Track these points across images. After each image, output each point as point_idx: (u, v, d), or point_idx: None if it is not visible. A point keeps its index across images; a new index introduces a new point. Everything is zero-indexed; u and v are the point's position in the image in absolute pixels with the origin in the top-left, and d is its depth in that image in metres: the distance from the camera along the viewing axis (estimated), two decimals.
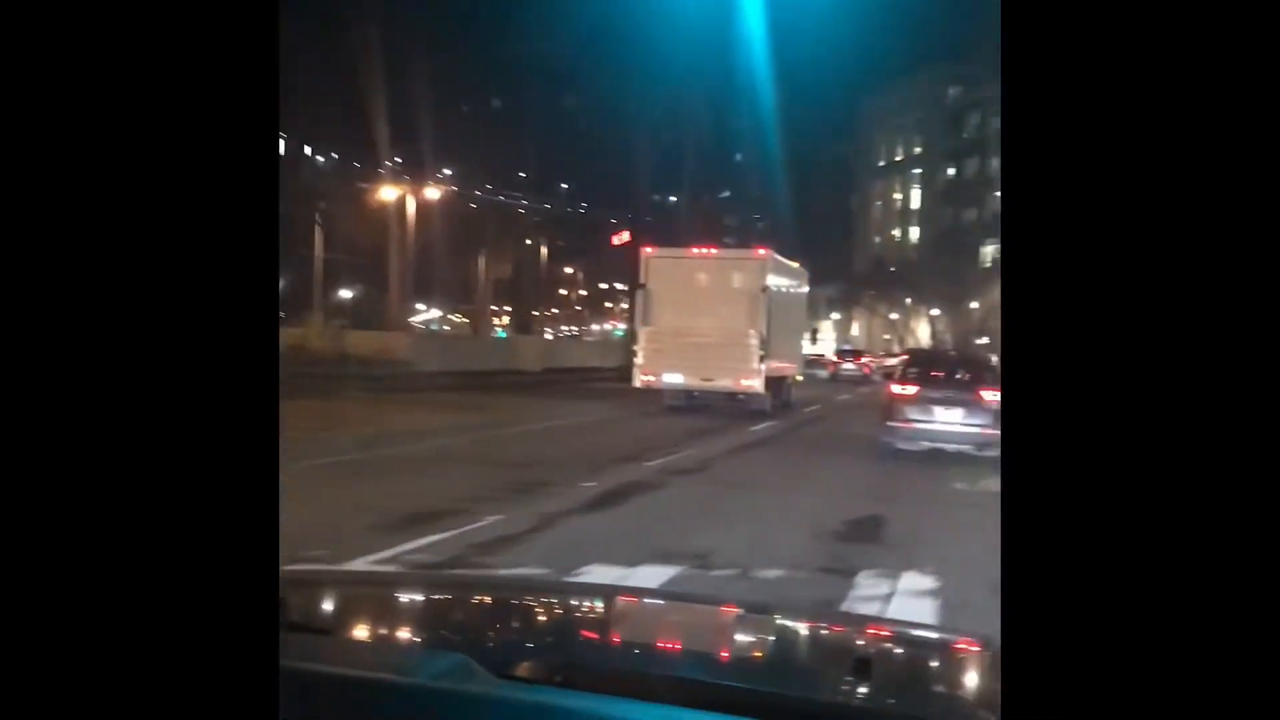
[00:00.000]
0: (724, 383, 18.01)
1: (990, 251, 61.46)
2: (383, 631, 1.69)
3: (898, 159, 76.19)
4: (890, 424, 12.54)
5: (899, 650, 1.85)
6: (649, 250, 19.26)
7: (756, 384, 17.88)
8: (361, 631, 1.65)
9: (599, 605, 2.10)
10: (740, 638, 1.86)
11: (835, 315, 78.99)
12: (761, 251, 19.53)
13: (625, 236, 46.88)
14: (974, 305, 56.64)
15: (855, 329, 78.64)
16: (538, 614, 1.91)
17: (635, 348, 18.74)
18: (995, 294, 56.60)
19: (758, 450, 13.64)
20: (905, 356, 16.42)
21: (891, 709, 1.37)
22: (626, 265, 29.37)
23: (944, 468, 11.46)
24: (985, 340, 52.07)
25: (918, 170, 73.50)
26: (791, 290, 21.19)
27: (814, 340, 28.18)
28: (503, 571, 5.58)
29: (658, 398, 18.83)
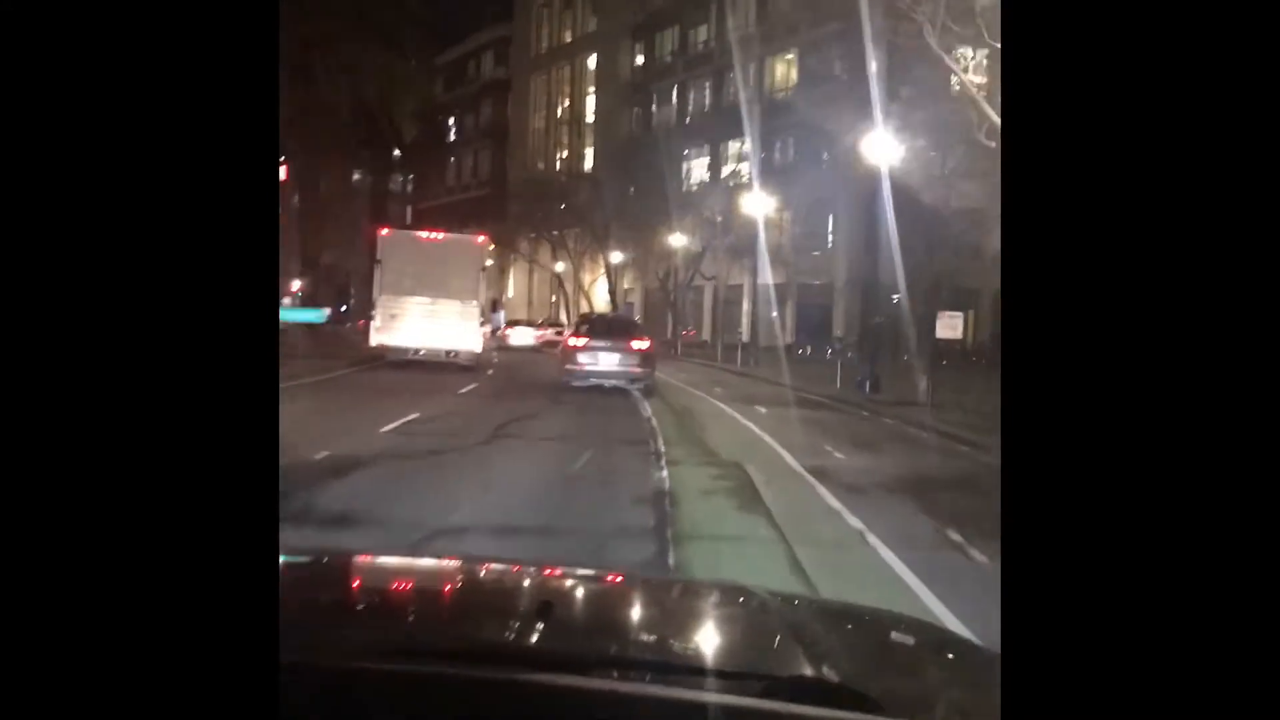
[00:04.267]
0: (448, 346, 20.74)
1: (698, 169, 40.22)
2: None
3: (565, 41, 53.64)
4: (567, 367, 16.76)
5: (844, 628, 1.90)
6: (385, 231, 22.52)
7: (476, 347, 21.18)
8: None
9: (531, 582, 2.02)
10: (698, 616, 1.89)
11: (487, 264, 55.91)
12: (482, 238, 23.40)
13: None
14: (674, 242, 35.39)
15: (511, 288, 56.02)
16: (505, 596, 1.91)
17: (373, 314, 21.27)
18: (699, 231, 35.93)
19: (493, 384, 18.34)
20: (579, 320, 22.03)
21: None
22: None
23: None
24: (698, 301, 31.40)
25: (591, 58, 51.24)
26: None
27: (491, 307, 27.56)
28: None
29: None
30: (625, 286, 45.99)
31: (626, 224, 39.85)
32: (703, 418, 13.95)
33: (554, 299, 48.96)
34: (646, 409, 14.03)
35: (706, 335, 39.77)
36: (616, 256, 42.57)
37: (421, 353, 20.58)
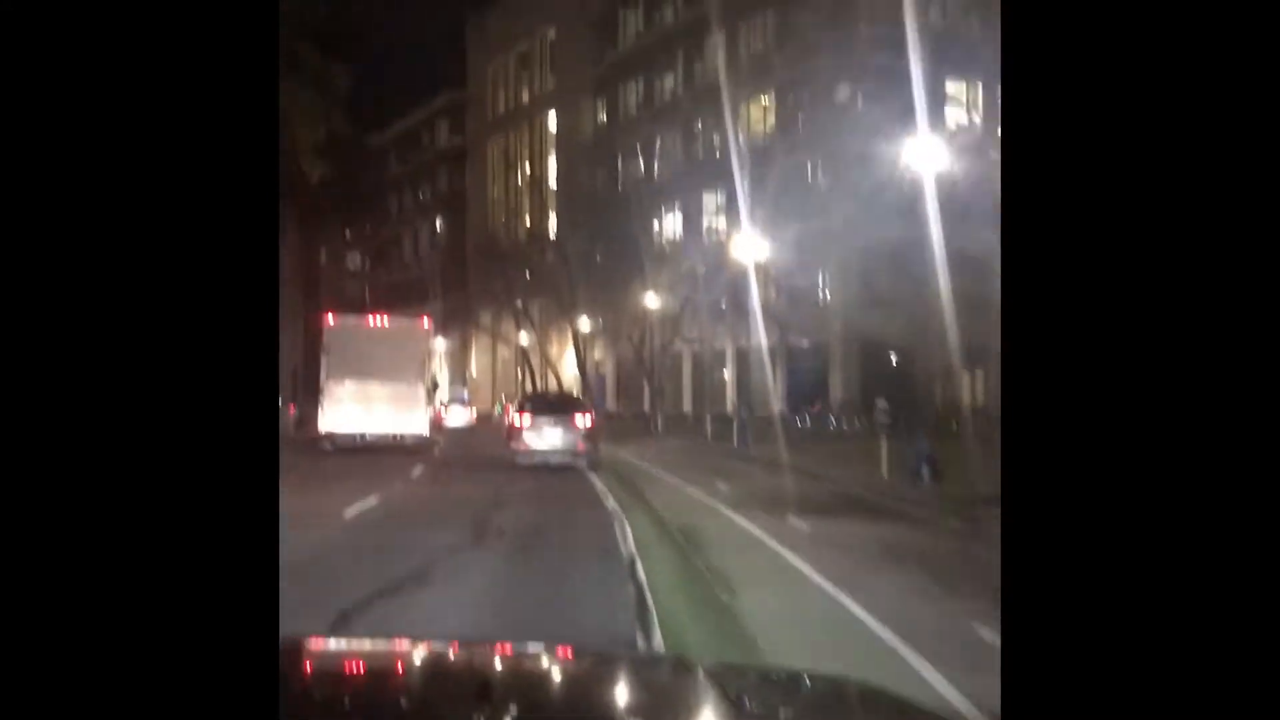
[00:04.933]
0: (394, 429, 20.76)
1: (671, 225, 37.11)
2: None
3: (523, 100, 50.73)
4: (513, 445, 16.73)
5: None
6: (330, 319, 22.49)
7: (423, 429, 21.43)
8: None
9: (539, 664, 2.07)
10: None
11: (444, 344, 52.32)
12: (426, 322, 23.75)
13: None
14: (648, 303, 31.91)
15: (474, 364, 52.33)
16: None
17: (321, 400, 21.30)
18: (677, 289, 32.50)
19: (439, 469, 17.58)
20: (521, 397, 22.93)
21: None
22: None
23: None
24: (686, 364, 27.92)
25: (550, 117, 48.26)
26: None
27: (433, 390, 25.88)
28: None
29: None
30: (596, 357, 42.43)
31: (595, 288, 36.47)
32: (719, 550, 8.39)
33: (520, 373, 45.24)
34: (627, 538, 8.86)
35: (687, 406, 36.28)
36: (585, 324, 39.05)
37: (369, 437, 20.70)
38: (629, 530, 9.32)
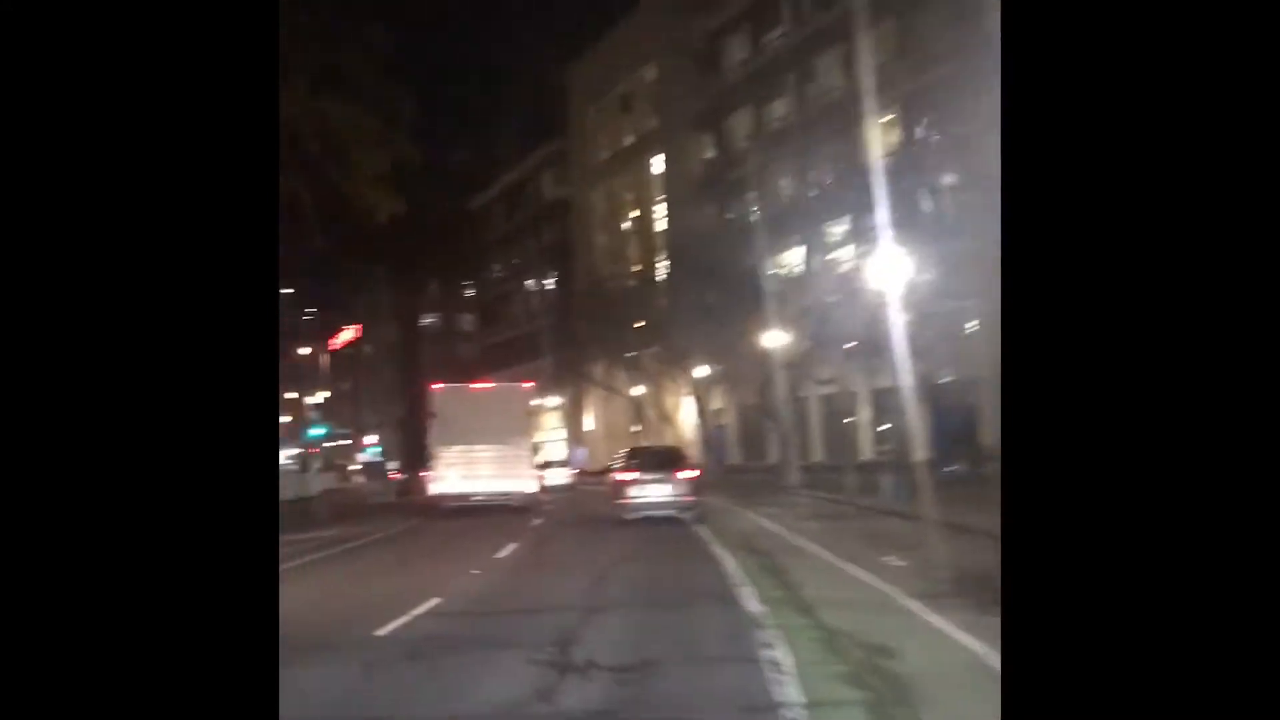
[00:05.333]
0: (506, 488, 21.71)
1: (792, 260, 34.23)
2: None
3: (626, 143, 48.78)
4: (618, 501, 17.41)
5: None
6: (437, 386, 23.60)
7: (533, 487, 22.53)
8: None
9: None
10: None
11: (555, 401, 50.30)
12: (528, 385, 25.07)
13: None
14: (771, 344, 29.02)
15: (590, 420, 50.09)
16: None
17: (431, 465, 22.57)
18: (805, 327, 29.44)
19: (551, 526, 18.45)
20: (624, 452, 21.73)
21: None
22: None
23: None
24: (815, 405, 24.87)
25: (657, 157, 46.13)
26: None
27: (535, 453, 25.67)
28: None
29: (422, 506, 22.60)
30: (714, 406, 39.59)
31: (710, 333, 33.82)
32: (949, 698, 5.20)
33: (635, 428, 42.66)
34: (787, 679, 5.65)
35: (819, 455, 33.04)
36: (702, 372, 36.33)
37: (478, 498, 21.41)
38: (790, 660, 6.07)
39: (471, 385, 25.54)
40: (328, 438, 64.18)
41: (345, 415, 78.88)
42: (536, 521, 18.95)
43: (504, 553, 13.72)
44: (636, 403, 42.01)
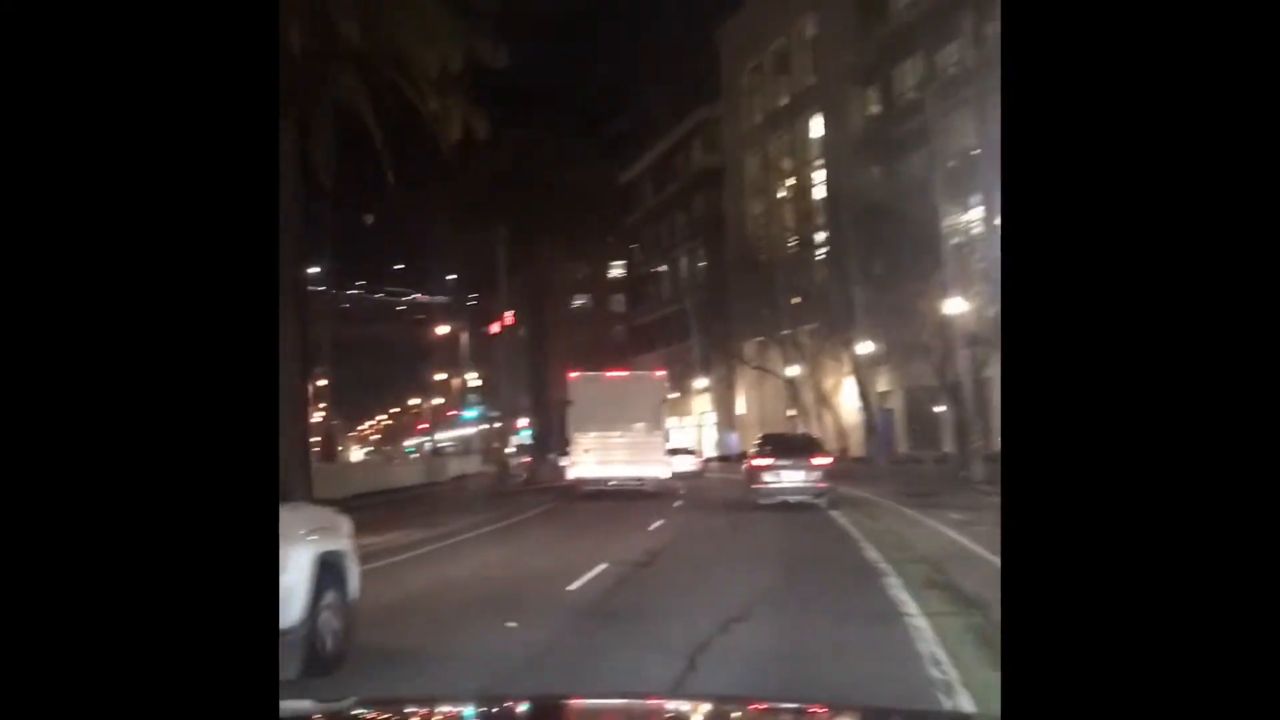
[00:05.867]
0: (640, 474, 22.11)
1: (970, 221, 30.03)
2: None
3: (782, 104, 45.09)
4: (753, 486, 17.66)
5: None
6: (574, 375, 23.90)
7: (665, 473, 22.84)
8: None
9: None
10: None
11: (702, 383, 47.55)
12: (661, 373, 25.42)
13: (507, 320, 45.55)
14: (949, 313, 25.25)
15: (741, 403, 46.95)
16: None
17: (568, 450, 23.49)
18: (981, 295, 25.46)
19: (688, 510, 18.95)
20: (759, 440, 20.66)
21: None
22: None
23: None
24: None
25: (815, 118, 42.27)
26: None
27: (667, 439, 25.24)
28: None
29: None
30: (881, 389, 35.85)
31: (875, 306, 30.22)
32: None
33: (790, 413, 39.27)
34: None
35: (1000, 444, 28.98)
36: (865, 348, 32.71)
37: (613, 483, 21.89)
38: None
39: (606, 373, 25.55)
40: (478, 420, 63.98)
41: (501, 398, 79.52)
42: (677, 504, 19.82)
43: (653, 526, 15.08)
44: (791, 384, 38.66)
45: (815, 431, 31.78)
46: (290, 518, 5.57)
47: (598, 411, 22.35)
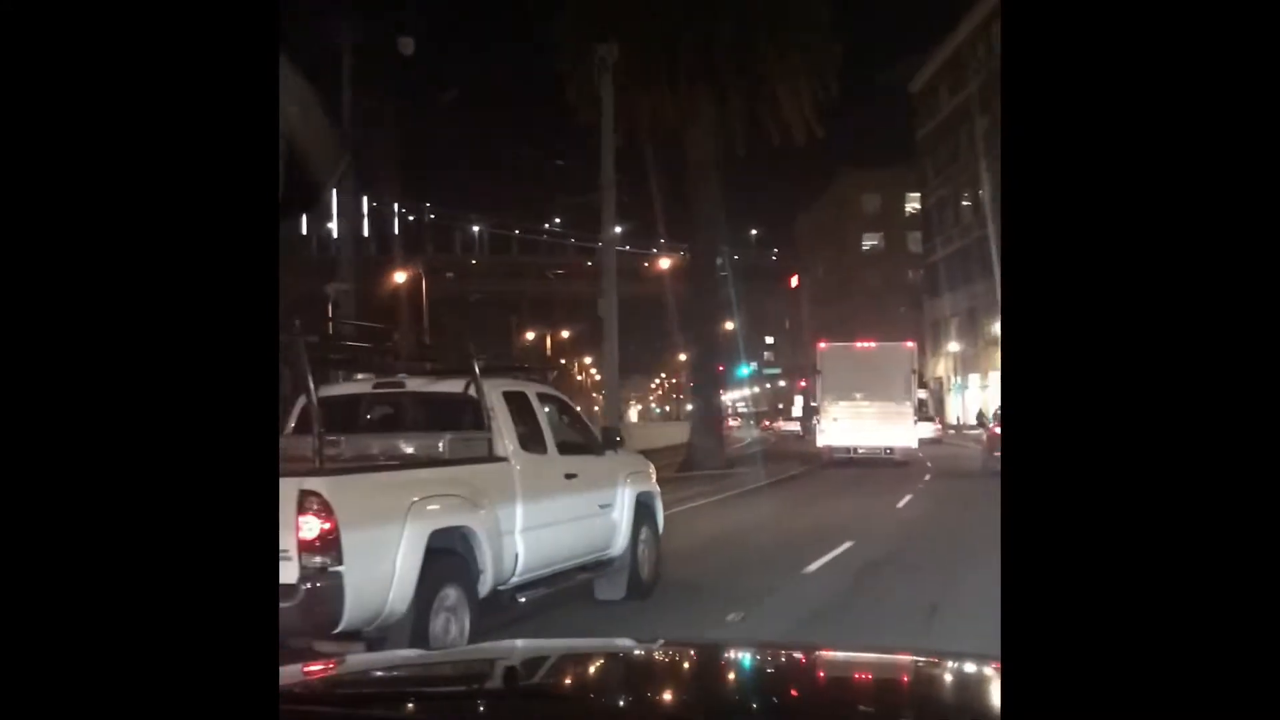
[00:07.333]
0: (887, 443, 22.51)
1: None
2: None
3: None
4: (995, 454, 16.92)
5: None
6: (822, 344, 25.10)
7: (912, 444, 23.10)
8: None
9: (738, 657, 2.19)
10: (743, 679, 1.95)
11: (954, 347, 38.31)
12: (910, 343, 24.87)
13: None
14: None
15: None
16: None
17: (818, 418, 24.01)
18: None
19: (940, 480, 19.30)
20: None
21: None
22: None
23: None
24: None
25: None
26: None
27: (918, 408, 25.63)
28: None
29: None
30: None
31: None
32: None
33: None
34: None
35: None
36: None
37: (860, 451, 22.57)
38: None
39: (856, 343, 25.95)
40: (752, 378, 57.72)
41: (782, 357, 72.92)
42: (927, 477, 19.52)
43: (902, 503, 14.78)
44: None
45: None
46: (614, 462, 7.06)
47: (847, 381, 22.83)
